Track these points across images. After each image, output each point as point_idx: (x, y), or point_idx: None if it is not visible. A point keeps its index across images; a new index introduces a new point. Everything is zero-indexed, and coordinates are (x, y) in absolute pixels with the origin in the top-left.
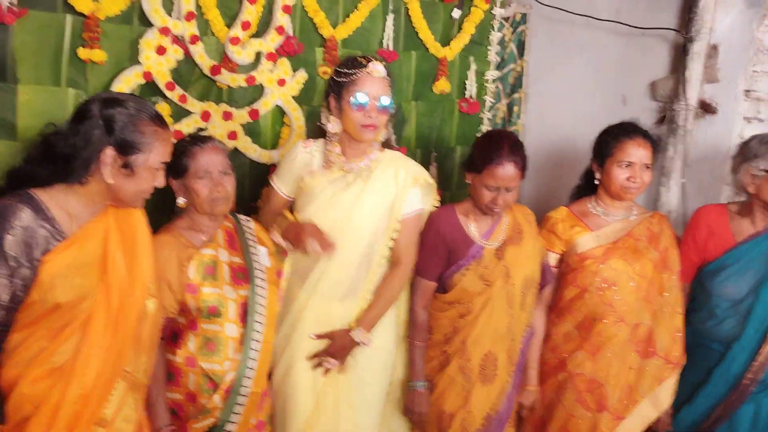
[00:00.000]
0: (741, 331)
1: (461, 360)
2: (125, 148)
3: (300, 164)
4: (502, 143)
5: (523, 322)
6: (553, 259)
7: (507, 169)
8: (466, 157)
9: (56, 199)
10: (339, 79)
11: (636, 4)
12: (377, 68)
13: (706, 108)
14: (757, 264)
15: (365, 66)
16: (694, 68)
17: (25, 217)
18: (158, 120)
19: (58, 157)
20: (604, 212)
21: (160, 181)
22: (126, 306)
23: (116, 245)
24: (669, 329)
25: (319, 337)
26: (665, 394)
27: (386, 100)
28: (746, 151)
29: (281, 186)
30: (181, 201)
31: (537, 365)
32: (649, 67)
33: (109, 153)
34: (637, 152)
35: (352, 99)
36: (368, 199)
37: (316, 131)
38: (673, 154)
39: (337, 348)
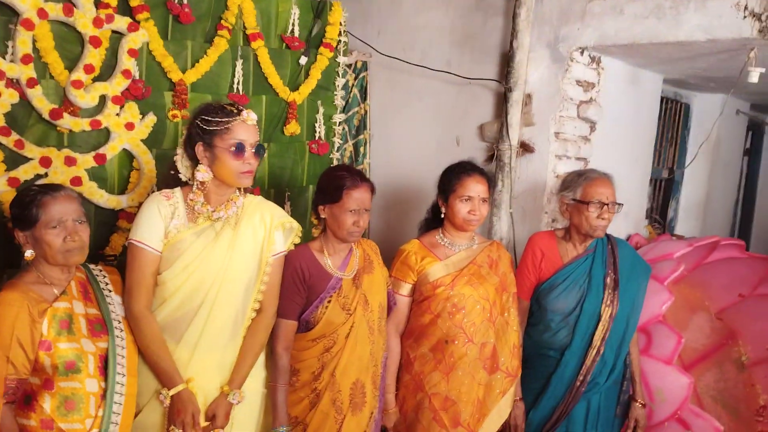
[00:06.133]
0: (571, 339)
1: (332, 393)
2: None
3: (164, 217)
4: (353, 171)
5: (381, 346)
6: (405, 288)
7: (364, 191)
8: (316, 193)
9: None
10: (210, 128)
11: (462, 57)
12: (251, 116)
13: (525, 148)
14: (580, 281)
15: (238, 114)
16: (514, 114)
17: None
18: None
19: None
20: (450, 243)
21: None
22: None
23: None
24: (509, 345)
25: (207, 420)
26: (507, 403)
27: (259, 146)
28: (563, 183)
29: (151, 241)
30: (29, 253)
31: (393, 389)
32: (477, 112)
33: None
34: (475, 187)
35: (231, 147)
36: (240, 248)
37: (167, 175)
38: (502, 188)
39: (220, 417)
